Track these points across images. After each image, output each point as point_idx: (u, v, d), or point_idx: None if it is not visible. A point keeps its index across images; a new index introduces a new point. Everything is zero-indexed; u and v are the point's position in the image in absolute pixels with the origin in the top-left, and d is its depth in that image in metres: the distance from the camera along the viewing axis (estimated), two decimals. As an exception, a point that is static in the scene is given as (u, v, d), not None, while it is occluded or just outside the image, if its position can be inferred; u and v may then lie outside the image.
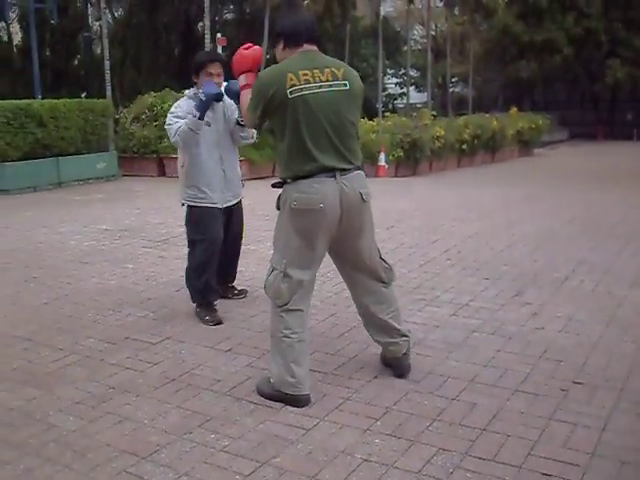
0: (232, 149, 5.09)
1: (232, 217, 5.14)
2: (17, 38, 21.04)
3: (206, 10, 15.51)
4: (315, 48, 3.54)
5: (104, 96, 15.10)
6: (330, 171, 3.41)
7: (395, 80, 37.12)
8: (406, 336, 3.87)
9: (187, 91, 4.99)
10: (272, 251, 3.68)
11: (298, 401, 3.52)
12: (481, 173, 16.26)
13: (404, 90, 25.57)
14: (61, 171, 13.13)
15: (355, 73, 3.61)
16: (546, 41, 32.29)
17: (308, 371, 3.63)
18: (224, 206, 4.99)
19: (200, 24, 25.17)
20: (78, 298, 5.55)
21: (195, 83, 4.89)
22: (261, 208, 9.57)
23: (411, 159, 15.36)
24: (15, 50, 20.25)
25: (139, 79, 21.21)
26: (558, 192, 12.08)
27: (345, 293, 4.56)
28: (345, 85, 3.47)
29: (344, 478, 2.89)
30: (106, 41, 15.36)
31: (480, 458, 3.04)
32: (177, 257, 6.86)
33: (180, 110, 4.81)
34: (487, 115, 21.93)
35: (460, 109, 27.80)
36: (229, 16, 28.76)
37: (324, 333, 4.60)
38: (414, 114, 19.09)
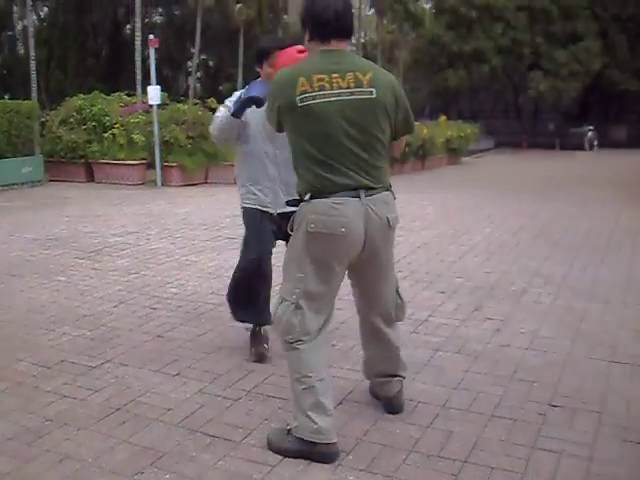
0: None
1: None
2: None
3: (137, 11, 15.05)
4: (343, 46, 3.02)
5: (29, 97, 14.46)
6: (353, 190, 2.96)
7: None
8: (401, 376, 3.51)
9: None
10: (280, 280, 3.21)
11: (327, 453, 3.02)
12: (413, 181, 16.19)
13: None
14: (-17, 175, 12.46)
15: (389, 78, 3.06)
16: (475, 50, 32.77)
17: (333, 416, 3.13)
18: (278, 212, 4.14)
19: (128, 26, 24.55)
20: (7, 315, 5.08)
21: (259, 74, 4.11)
22: (197, 216, 9.21)
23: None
24: None
25: (65, 81, 20.49)
26: (496, 201, 12.06)
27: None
28: (371, 93, 2.94)
29: (319, 523, 2.60)
30: (32, 40, 14.68)
31: (464, 495, 2.78)
32: (112, 269, 6.44)
33: (233, 98, 4.09)
34: (417, 123, 21.94)
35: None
36: (158, 19, 28.18)
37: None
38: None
